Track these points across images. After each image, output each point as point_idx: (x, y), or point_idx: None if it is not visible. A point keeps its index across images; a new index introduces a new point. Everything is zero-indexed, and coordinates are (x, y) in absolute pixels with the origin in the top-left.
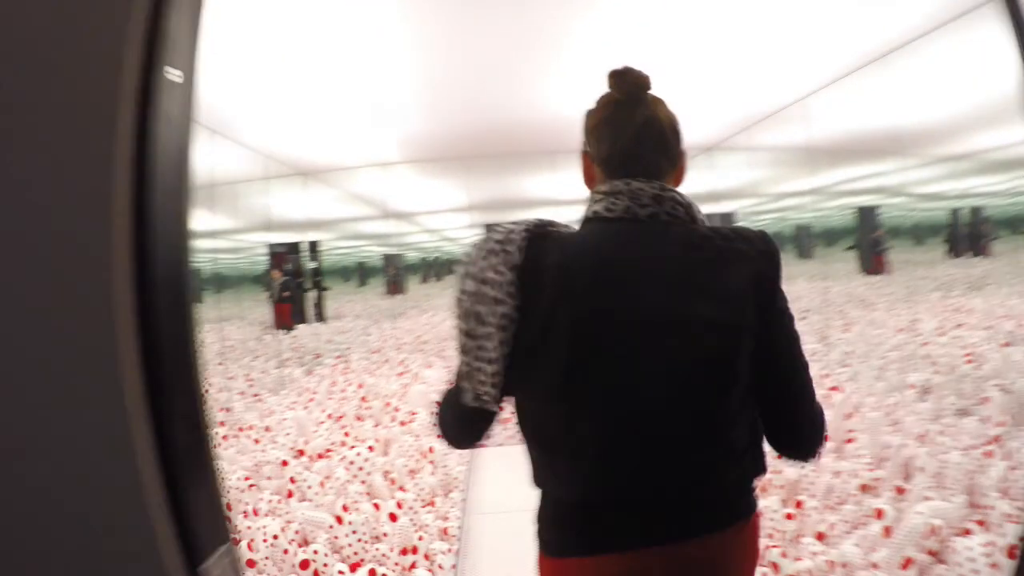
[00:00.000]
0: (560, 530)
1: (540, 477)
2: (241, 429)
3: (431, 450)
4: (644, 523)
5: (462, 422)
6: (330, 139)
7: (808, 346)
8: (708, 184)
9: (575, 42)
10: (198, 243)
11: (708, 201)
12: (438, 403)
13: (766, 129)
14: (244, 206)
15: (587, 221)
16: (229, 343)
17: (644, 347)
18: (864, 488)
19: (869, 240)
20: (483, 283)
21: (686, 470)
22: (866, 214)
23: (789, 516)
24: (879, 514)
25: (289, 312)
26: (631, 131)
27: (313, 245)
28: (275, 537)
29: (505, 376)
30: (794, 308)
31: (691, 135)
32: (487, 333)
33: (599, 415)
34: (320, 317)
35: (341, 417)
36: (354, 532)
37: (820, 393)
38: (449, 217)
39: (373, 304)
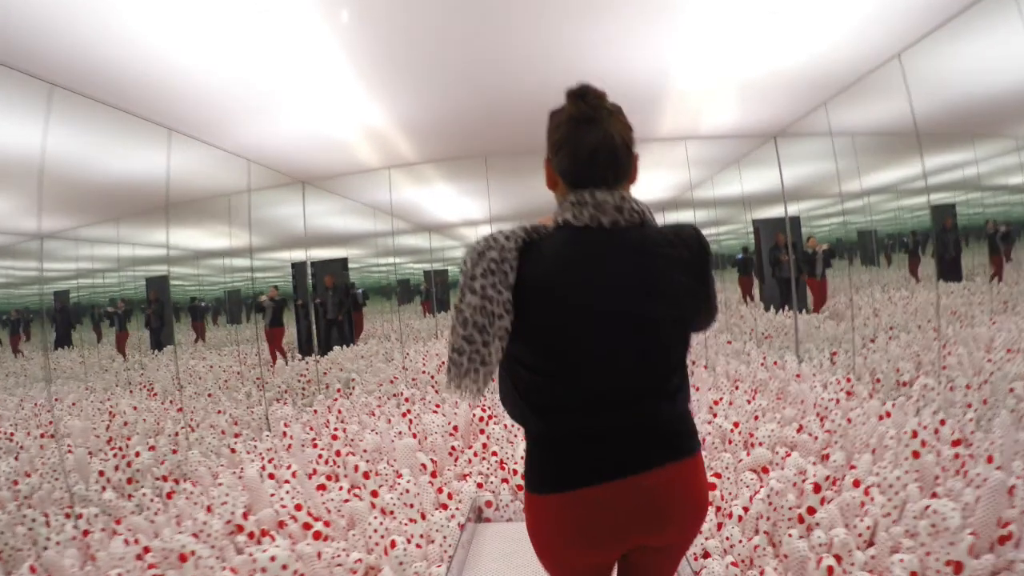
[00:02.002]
0: (540, 472)
1: (516, 415)
2: (194, 483)
3: (392, 544)
4: (609, 461)
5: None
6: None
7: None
8: (766, 181)
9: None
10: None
11: (763, 205)
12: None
13: (842, 106)
14: (254, 219)
15: (558, 228)
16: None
17: (608, 332)
18: None
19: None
20: (485, 299)
21: (639, 414)
22: (940, 213)
23: None
24: None
25: (280, 339)
26: (587, 150)
27: (302, 268)
28: None
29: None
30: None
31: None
32: (486, 341)
33: (574, 382)
34: (326, 345)
35: (311, 475)
36: None
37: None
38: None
39: (408, 323)
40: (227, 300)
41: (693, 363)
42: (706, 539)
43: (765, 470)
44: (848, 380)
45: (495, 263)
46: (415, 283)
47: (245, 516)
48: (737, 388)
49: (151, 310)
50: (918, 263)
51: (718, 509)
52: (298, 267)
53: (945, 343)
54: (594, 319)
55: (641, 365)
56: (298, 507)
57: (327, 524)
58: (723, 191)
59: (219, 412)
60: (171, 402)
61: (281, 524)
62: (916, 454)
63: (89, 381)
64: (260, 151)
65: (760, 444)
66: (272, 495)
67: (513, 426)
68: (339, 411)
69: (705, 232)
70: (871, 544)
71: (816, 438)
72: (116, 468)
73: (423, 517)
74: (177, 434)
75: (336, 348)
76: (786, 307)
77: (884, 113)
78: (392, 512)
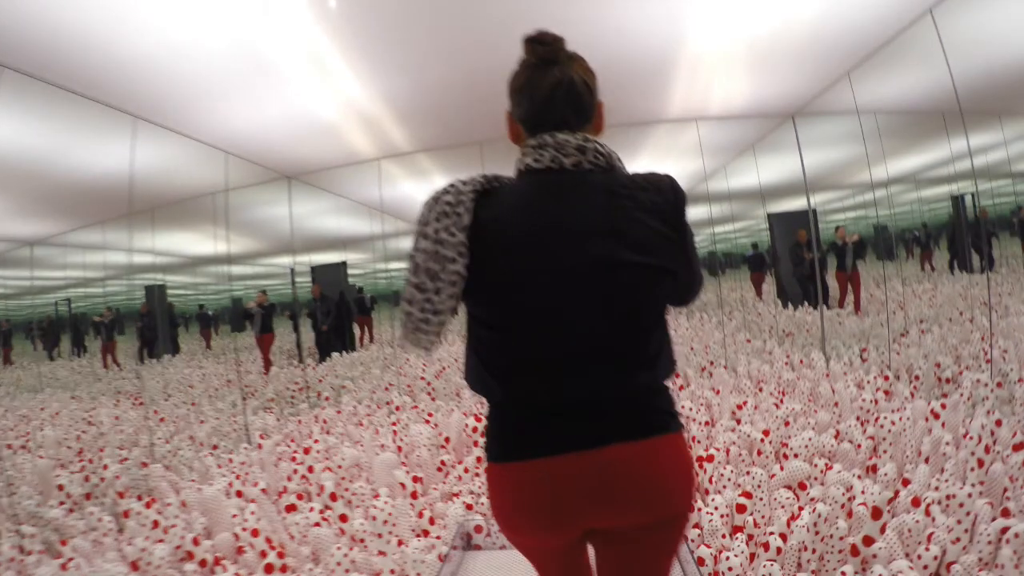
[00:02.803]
0: (500, 440)
1: (478, 383)
2: (149, 504)
3: None
4: (566, 431)
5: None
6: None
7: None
8: (781, 170)
9: None
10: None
11: (778, 197)
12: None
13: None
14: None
15: (519, 174)
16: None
17: (570, 284)
18: None
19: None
20: (438, 243)
21: (606, 382)
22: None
23: None
24: None
25: (270, 345)
26: (546, 91)
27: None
28: None
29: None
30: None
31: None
32: (437, 288)
33: (533, 336)
34: (324, 353)
35: (282, 493)
36: None
37: None
38: None
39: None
40: (231, 308)
41: (711, 363)
42: None
43: (803, 486)
44: (886, 378)
45: (450, 206)
46: None
47: (196, 542)
48: (761, 391)
49: (141, 322)
50: (931, 255)
51: (750, 538)
52: (328, 270)
53: (983, 335)
54: (555, 264)
55: (609, 319)
56: (254, 532)
57: (281, 555)
58: (737, 182)
59: (201, 422)
60: (155, 412)
61: (240, 550)
62: (981, 463)
63: (77, 391)
64: (239, 142)
65: (795, 456)
66: (235, 516)
67: None
68: (324, 421)
69: (720, 230)
70: None
71: (859, 446)
72: (86, 479)
73: (400, 545)
74: (153, 445)
75: (336, 355)
76: (806, 303)
77: (915, 85)
78: (363, 540)
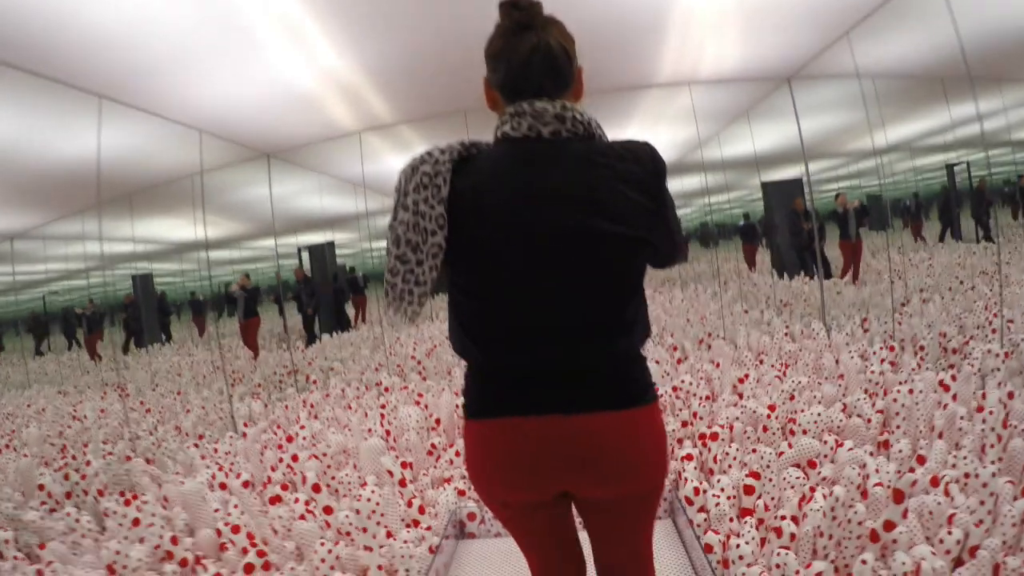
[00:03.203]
0: (479, 399)
1: (459, 346)
2: (128, 501)
3: None
4: (542, 394)
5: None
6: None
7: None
8: (775, 138)
9: None
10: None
11: (771, 166)
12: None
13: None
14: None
15: (497, 142)
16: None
17: (547, 253)
18: None
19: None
20: (417, 215)
21: (583, 350)
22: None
23: None
24: None
25: (256, 330)
26: (523, 57)
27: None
28: None
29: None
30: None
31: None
32: (419, 260)
33: (510, 305)
34: (311, 336)
35: (267, 484)
36: None
37: None
38: None
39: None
40: (215, 293)
41: (709, 335)
42: (748, 566)
43: (812, 464)
44: (891, 349)
45: (428, 177)
46: None
47: (174, 541)
48: (762, 363)
49: (126, 313)
50: (921, 226)
51: (760, 522)
52: (314, 251)
53: (987, 304)
54: (530, 233)
55: (585, 287)
56: (235, 529)
57: (261, 553)
58: (730, 150)
59: (187, 411)
60: (141, 403)
61: (223, 547)
62: (999, 438)
63: (64, 385)
64: (213, 119)
65: (804, 432)
66: (217, 511)
67: None
68: (311, 405)
69: (714, 199)
70: (960, 563)
71: (869, 421)
72: (66, 477)
73: (390, 537)
74: (138, 438)
75: (326, 336)
76: (802, 273)
77: (918, 47)
78: (349, 533)
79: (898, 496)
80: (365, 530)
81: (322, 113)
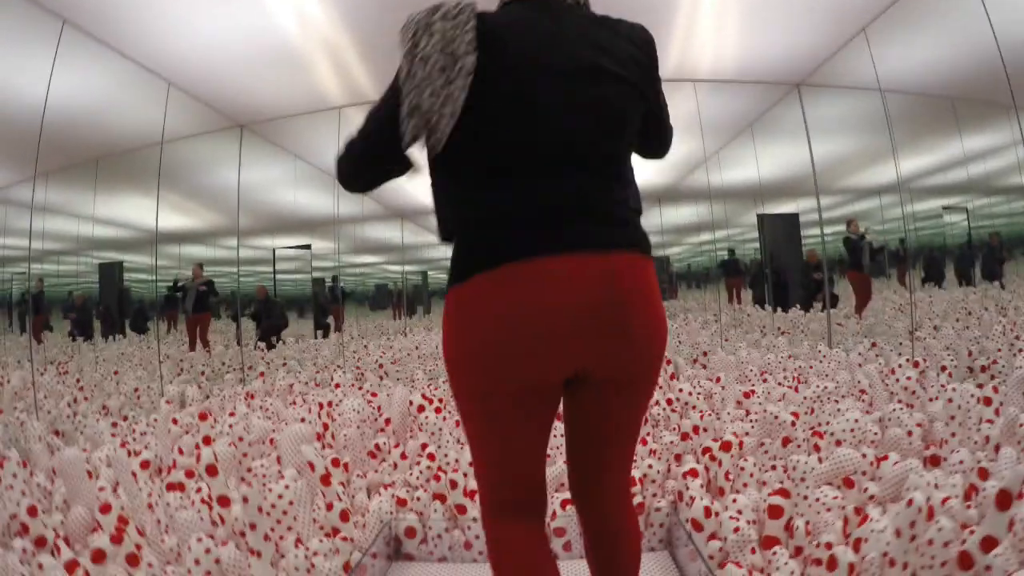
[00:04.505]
0: (487, 247)
1: (461, 220)
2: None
3: None
4: (573, 232)
5: (377, 162)
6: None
7: None
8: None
9: None
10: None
11: (772, 197)
12: (352, 143)
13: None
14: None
15: (504, 5)
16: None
17: (566, 88)
18: None
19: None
20: (444, 39)
21: (604, 188)
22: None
23: None
24: None
25: (207, 327)
26: None
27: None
28: None
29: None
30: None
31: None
32: (450, 79)
33: (540, 142)
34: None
35: (171, 468)
36: None
37: None
38: None
39: (381, 324)
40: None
41: (704, 354)
42: None
43: (848, 483)
44: (915, 365)
45: (455, 9)
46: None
47: (32, 511)
48: (766, 381)
49: (76, 303)
50: (905, 271)
51: (797, 551)
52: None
53: (1003, 330)
54: (551, 69)
55: (601, 126)
56: (104, 508)
57: (115, 540)
58: (731, 175)
59: (120, 392)
60: (77, 380)
61: (94, 530)
62: None
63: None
64: (182, 70)
65: (837, 443)
66: (102, 489)
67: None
68: (251, 396)
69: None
70: None
71: (910, 433)
72: None
73: (299, 545)
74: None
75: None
76: (798, 306)
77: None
78: (243, 533)
79: (1002, 501)
80: (268, 538)
81: (301, 78)
